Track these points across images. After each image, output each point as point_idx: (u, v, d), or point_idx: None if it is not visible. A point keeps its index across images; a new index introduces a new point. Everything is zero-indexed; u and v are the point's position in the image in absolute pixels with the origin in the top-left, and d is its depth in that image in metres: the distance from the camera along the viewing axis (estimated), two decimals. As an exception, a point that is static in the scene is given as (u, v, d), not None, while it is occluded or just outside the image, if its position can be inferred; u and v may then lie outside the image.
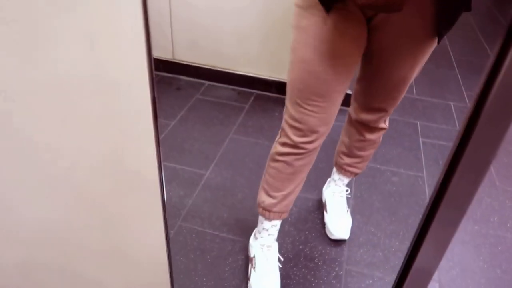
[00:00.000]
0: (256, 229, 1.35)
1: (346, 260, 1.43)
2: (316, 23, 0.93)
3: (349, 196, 1.62)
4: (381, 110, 1.19)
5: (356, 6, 0.91)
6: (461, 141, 0.51)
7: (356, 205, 1.65)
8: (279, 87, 2.27)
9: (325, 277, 1.37)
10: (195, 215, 1.55)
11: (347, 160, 1.40)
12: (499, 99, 0.45)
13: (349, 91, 1.13)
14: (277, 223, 1.29)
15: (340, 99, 1.05)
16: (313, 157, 1.14)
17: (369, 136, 1.27)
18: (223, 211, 1.58)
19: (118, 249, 0.80)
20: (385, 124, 1.26)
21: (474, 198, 0.54)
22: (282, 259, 1.36)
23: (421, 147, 2.02)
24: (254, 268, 1.28)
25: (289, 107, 1.06)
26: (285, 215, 1.26)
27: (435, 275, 1.40)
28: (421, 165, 1.89)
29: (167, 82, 2.38)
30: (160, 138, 2.09)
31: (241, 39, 2.21)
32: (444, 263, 1.45)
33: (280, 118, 1.14)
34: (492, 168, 1.89)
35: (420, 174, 1.84)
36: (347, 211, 1.54)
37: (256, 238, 1.33)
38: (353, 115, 1.27)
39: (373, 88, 1.15)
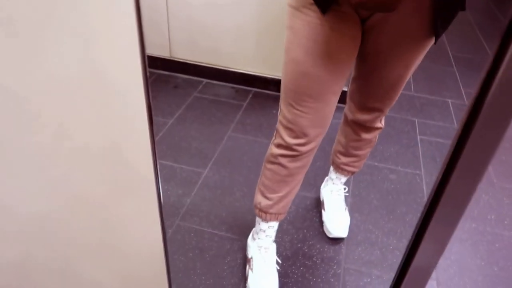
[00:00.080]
0: (254, 229, 1.35)
1: (344, 258, 1.44)
2: (309, 23, 0.92)
3: (347, 194, 1.62)
4: (377, 110, 1.18)
5: (351, 7, 0.91)
6: (459, 140, 0.51)
7: (354, 203, 1.65)
8: (278, 84, 2.24)
9: (323, 275, 1.37)
10: (194, 214, 1.55)
11: (343, 159, 1.40)
12: (498, 98, 0.45)
13: (345, 88, 1.13)
14: (274, 224, 1.29)
15: (334, 100, 1.04)
16: (308, 160, 1.14)
17: (365, 135, 1.27)
18: (222, 209, 1.58)
19: (115, 248, 0.80)
20: (381, 124, 1.26)
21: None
22: (280, 261, 1.36)
23: (419, 144, 2.03)
24: (251, 269, 1.29)
25: (283, 108, 1.06)
26: (282, 217, 1.26)
27: (433, 273, 1.40)
28: (418, 163, 1.90)
29: (164, 80, 2.37)
30: (158, 137, 2.10)
31: (239, 37, 2.20)
32: (441, 261, 1.46)
33: (278, 117, 1.14)
34: (489, 166, 1.89)
35: (418, 171, 1.85)
36: (345, 209, 1.54)
37: (254, 239, 1.34)
38: (349, 115, 1.27)
39: (369, 88, 1.15)
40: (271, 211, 1.22)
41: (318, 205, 1.62)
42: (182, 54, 2.35)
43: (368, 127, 1.25)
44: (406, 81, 1.08)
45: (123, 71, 0.54)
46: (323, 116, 1.05)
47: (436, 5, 0.89)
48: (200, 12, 2.17)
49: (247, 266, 1.32)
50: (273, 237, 1.33)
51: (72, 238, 0.78)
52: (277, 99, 1.10)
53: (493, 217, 1.64)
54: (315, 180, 1.72)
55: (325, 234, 1.51)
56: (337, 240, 1.49)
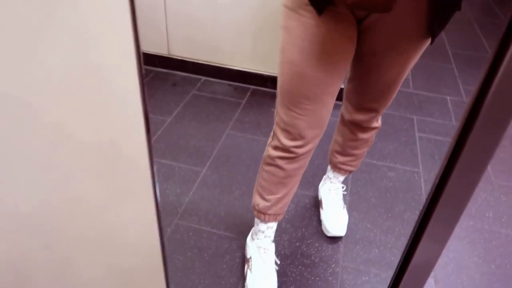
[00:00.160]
0: (252, 229, 1.36)
1: (342, 256, 1.44)
2: (304, 24, 0.92)
3: (345, 192, 1.63)
4: (373, 110, 1.18)
5: (347, 7, 0.90)
6: (459, 139, 0.50)
7: (352, 201, 1.66)
8: (276, 82, 2.25)
9: (321, 274, 1.38)
10: (192, 212, 1.56)
11: (341, 158, 1.41)
12: (498, 96, 0.45)
13: (342, 85, 1.12)
14: (273, 225, 1.29)
15: (331, 101, 1.04)
16: (306, 161, 1.14)
17: (362, 135, 1.27)
18: (220, 208, 1.58)
19: (113, 247, 0.80)
20: (377, 123, 1.26)
21: (470, 194, 0.54)
22: (278, 261, 1.37)
23: (417, 142, 2.03)
24: (250, 269, 1.29)
25: (279, 110, 1.05)
26: (280, 217, 1.26)
27: (431, 271, 1.41)
28: (417, 161, 1.90)
29: (163, 78, 2.37)
30: (156, 135, 2.09)
31: (237, 34, 2.20)
32: (439, 259, 1.46)
33: (277, 114, 1.13)
34: (487, 163, 1.89)
35: (416, 169, 1.85)
36: (343, 207, 1.54)
37: (253, 239, 1.34)
38: (346, 115, 1.27)
39: (365, 88, 1.14)
40: (269, 212, 1.22)
41: (317, 203, 1.63)
42: (180, 51, 2.35)
43: (364, 127, 1.25)
44: (402, 81, 1.08)
45: (119, 70, 0.54)
46: (320, 117, 1.04)
47: (432, 5, 0.89)
48: (198, 9, 2.16)
49: (246, 266, 1.33)
50: (272, 238, 1.33)
51: (69, 238, 0.78)
52: (275, 96, 1.09)
53: (490, 214, 1.65)
54: (313, 178, 1.72)
55: (323, 232, 1.51)
56: (335, 239, 1.50)
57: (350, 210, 1.61)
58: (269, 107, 2.17)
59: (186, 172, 1.73)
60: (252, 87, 2.33)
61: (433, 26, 0.92)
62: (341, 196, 1.56)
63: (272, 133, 1.12)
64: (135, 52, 0.52)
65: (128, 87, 0.55)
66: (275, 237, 1.37)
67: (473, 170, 0.52)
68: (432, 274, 1.40)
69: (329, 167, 1.52)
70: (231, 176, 1.73)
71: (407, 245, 0.65)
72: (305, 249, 1.46)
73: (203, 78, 2.38)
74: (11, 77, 0.56)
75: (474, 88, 0.47)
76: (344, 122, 1.30)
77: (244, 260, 1.38)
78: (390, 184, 1.76)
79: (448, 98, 2.40)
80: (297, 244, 1.47)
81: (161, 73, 2.40)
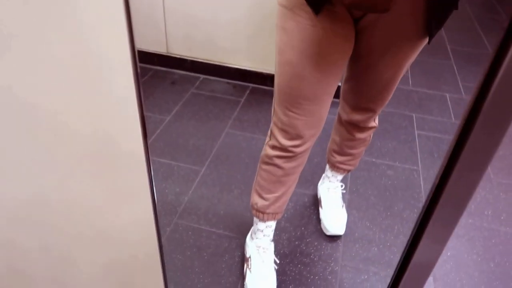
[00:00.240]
0: (252, 229, 1.36)
1: (341, 255, 1.44)
2: (301, 24, 0.91)
3: (344, 191, 1.63)
4: (370, 110, 1.18)
5: (344, 7, 0.89)
6: (459, 137, 0.50)
7: (351, 200, 1.66)
8: (275, 80, 2.26)
9: (321, 273, 1.38)
10: (191, 212, 1.56)
11: (338, 158, 1.41)
12: (500, 94, 0.45)
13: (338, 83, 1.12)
14: (272, 224, 1.29)
15: (329, 100, 1.04)
16: (304, 159, 1.14)
17: (359, 135, 1.27)
18: (220, 207, 1.58)
19: (111, 247, 0.80)
20: (375, 123, 1.25)
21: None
22: (277, 261, 1.37)
23: (417, 139, 2.03)
24: (250, 269, 1.29)
25: (277, 110, 1.05)
26: (279, 216, 1.26)
27: (430, 269, 1.41)
28: (416, 158, 1.90)
29: (161, 76, 2.36)
30: (155, 134, 2.09)
31: (236, 32, 2.19)
32: (438, 257, 1.46)
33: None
34: (487, 161, 1.89)
35: (415, 167, 1.85)
36: (342, 206, 1.54)
37: (252, 238, 1.34)
38: (343, 115, 1.27)
39: (362, 88, 1.14)
40: (268, 211, 1.22)
41: (316, 202, 1.63)
42: (179, 50, 2.34)
43: (362, 127, 1.25)
44: (399, 80, 1.08)
45: (115, 70, 0.54)
46: (318, 117, 1.04)
47: (430, 5, 0.88)
48: (196, 7, 2.16)
49: (245, 265, 1.33)
50: (271, 237, 1.33)
51: (68, 238, 0.78)
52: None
53: (489, 212, 1.65)
54: (312, 177, 1.72)
55: (322, 231, 1.51)
56: (334, 238, 1.50)
57: (349, 208, 1.61)
58: (268, 105, 2.16)
59: (185, 171, 1.73)
60: (251, 85, 2.32)
61: (431, 26, 0.91)
62: (340, 195, 1.56)
63: (269, 132, 1.12)
64: (130, 51, 0.52)
65: (124, 86, 0.55)
66: (274, 236, 1.37)
67: (473, 170, 0.52)
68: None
69: (327, 166, 1.52)
70: (230, 175, 1.73)
71: (407, 244, 0.65)
72: (304, 248, 1.46)
73: (202, 76, 2.38)
74: (10, 76, 0.56)
75: (474, 86, 0.47)
76: (341, 122, 1.29)
77: (243, 259, 1.38)
78: (389, 182, 1.76)
79: (447, 95, 2.39)
80: (296, 243, 1.48)
81: (160, 72, 2.40)
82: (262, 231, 1.29)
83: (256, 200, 1.22)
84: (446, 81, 2.54)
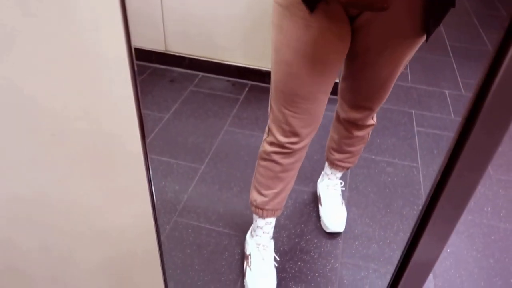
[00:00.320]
0: (252, 226, 1.36)
1: (341, 252, 1.44)
2: (296, 23, 0.91)
3: (343, 188, 1.62)
4: (367, 108, 1.18)
5: (339, 5, 0.89)
6: (461, 134, 0.50)
7: (351, 197, 1.66)
8: (274, 77, 2.25)
9: (320, 270, 1.38)
10: (191, 210, 1.55)
11: (337, 155, 1.40)
12: (500, 94, 0.44)
13: (336, 80, 1.11)
14: (271, 221, 1.29)
15: (325, 99, 1.04)
16: (301, 155, 1.14)
17: (357, 133, 1.27)
18: (219, 205, 1.58)
19: (110, 245, 0.80)
20: (373, 121, 1.25)
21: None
22: (277, 258, 1.37)
23: (416, 136, 2.03)
24: (250, 266, 1.29)
25: (274, 108, 1.05)
26: (278, 212, 1.26)
27: (429, 266, 1.41)
28: (415, 155, 1.90)
29: (160, 74, 2.36)
30: (154, 132, 2.08)
31: (235, 29, 2.18)
32: (438, 253, 1.47)
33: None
34: (486, 157, 1.89)
35: (415, 164, 1.85)
36: (342, 203, 1.54)
37: (252, 236, 1.34)
38: (341, 114, 1.26)
39: (359, 87, 1.14)
40: (267, 207, 1.22)
41: (315, 199, 1.62)
42: (178, 47, 2.33)
43: (360, 125, 1.24)
44: (396, 78, 1.07)
45: (112, 70, 0.53)
46: (314, 115, 1.04)
47: (427, 3, 0.88)
48: (195, 5, 2.15)
49: (245, 263, 1.33)
50: (271, 234, 1.33)
51: (68, 237, 0.78)
52: (273, 92, 1.09)
53: (489, 209, 1.65)
54: (312, 174, 1.72)
55: (322, 228, 1.51)
56: (334, 235, 1.50)
57: (348, 205, 1.61)
58: (267, 103, 2.15)
59: (184, 169, 1.73)
60: (250, 82, 2.32)
61: (428, 24, 0.91)
62: (340, 192, 1.56)
63: (267, 129, 1.12)
64: (127, 49, 0.51)
65: (122, 84, 0.54)
66: (274, 233, 1.37)
67: (474, 168, 0.52)
68: (431, 268, 1.41)
69: (326, 164, 1.52)
70: (229, 172, 1.72)
71: (407, 242, 0.65)
72: (304, 245, 1.46)
73: (201, 74, 2.37)
74: (8, 75, 0.56)
75: (474, 83, 0.47)
76: (339, 120, 1.29)
77: (243, 257, 1.38)
78: (389, 179, 1.76)
79: (446, 92, 2.39)
80: (296, 240, 1.48)
81: (158, 70, 2.39)
82: (261, 228, 1.29)
83: (255, 196, 1.22)
84: (446, 77, 2.53)
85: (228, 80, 2.33)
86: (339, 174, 1.52)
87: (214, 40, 2.24)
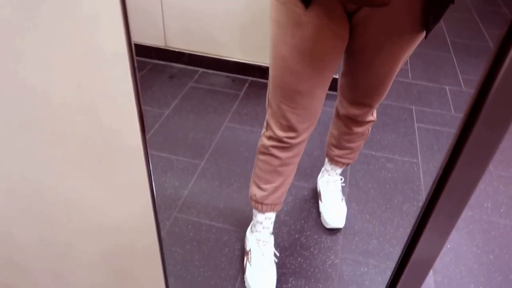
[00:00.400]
0: (252, 222, 1.36)
1: (341, 248, 1.45)
2: (294, 19, 0.90)
3: (343, 184, 1.62)
4: (367, 104, 1.17)
5: (337, 1, 0.88)
6: (463, 130, 0.50)
7: (351, 193, 1.66)
8: (274, 73, 2.24)
9: (320, 266, 1.38)
10: (191, 205, 1.55)
11: (337, 152, 1.40)
12: (502, 91, 0.44)
13: (336, 76, 1.11)
14: (271, 216, 1.29)
15: (322, 95, 1.03)
16: (300, 149, 1.14)
17: (357, 129, 1.27)
18: (219, 201, 1.58)
19: (110, 242, 0.80)
20: (372, 117, 1.25)
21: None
22: (278, 254, 1.37)
23: (416, 132, 2.02)
24: (250, 262, 1.29)
25: (272, 103, 1.05)
26: (278, 207, 1.26)
27: (429, 262, 1.41)
28: (416, 151, 1.90)
29: (160, 70, 2.35)
30: (154, 128, 2.08)
31: (235, 25, 2.17)
32: (438, 249, 1.47)
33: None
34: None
35: (415, 160, 1.85)
36: (342, 199, 1.54)
37: (252, 231, 1.34)
38: (340, 110, 1.26)
39: (358, 83, 1.13)
40: (266, 201, 1.22)
41: (316, 195, 1.62)
42: (177, 43, 2.32)
43: (359, 121, 1.24)
44: (395, 75, 1.07)
45: (111, 65, 0.53)
46: (311, 111, 1.04)
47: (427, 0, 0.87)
48: (194, 1, 2.14)
49: (245, 258, 1.33)
50: (270, 229, 1.33)
51: (67, 232, 0.78)
52: (273, 88, 1.08)
53: (489, 205, 1.65)
54: (312, 170, 1.72)
55: (322, 224, 1.51)
56: (334, 230, 1.50)
57: (349, 201, 1.61)
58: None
59: (184, 165, 1.73)
60: (250, 78, 2.31)
61: (428, 20, 0.90)
62: (340, 188, 1.56)
63: (265, 123, 1.12)
64: (127, 45, 0.51)
65: (122, 80, 0.54)
66: (274, 229, 1.37)
67: (475, 164, 0.51)
68: (430, 264, 1.41)
69: (326, 160, 1.52)
70: (229, 168, 1.72)
71: (408, 238, 0.65)
72: (304, 241, 1.46)
73: (201, 70, 2.36)
74: (6, 71, 0.55)
75: (475, 79, 0.47)
76: (339, 116, 1.29)
77: (243, 253, 1.38)
78: (389, 175, 1.76)
79: (447, 88, 2.38)
80: (296, 236, 1.48)
81: (158, 65, 2.38)
82: (261, 223, 1.29)
83: (255, 191, 1.22)
84: (446, 73, 2.53)
85: (228, 76, 2.33)
86: (339, 170, 1.52)
87: (214, 35, 2.24)
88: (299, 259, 1.40)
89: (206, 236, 1.45)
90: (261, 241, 1.31)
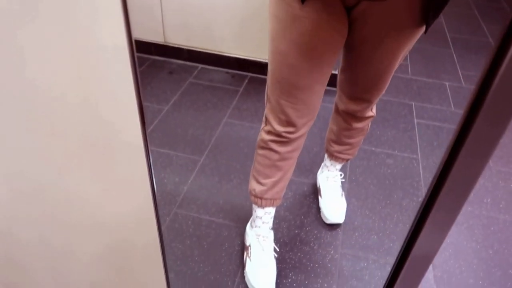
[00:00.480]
0: (251, 217, 1.36)
1: (341, 243, 1.45)
2: (292, 14, 0.90)
3: (343, 180, 1.63)
4: (366, 100, 1.17)
5: None
6: (463, 126, 0.50)
7: (351, 188, 1.66)
8: (273, 69, 2.24)
9: (320, 261, 1.39)
10: (191, 201, 1.56)
11: (336, 147, 1.40)
12: (502, 87, 0.44)
13: (335, 71, 1.11)
14: (271, 211, 1.29)
15: (321, 90, 1.03)
16: (299, 144, 1.14)
17: (356, 125, 1.27)
18: (219, 196, 1.58)
19: (110, 240, 0.80)
20: (372, 112, 1.25)
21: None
22: (277, 249, 1.37)
23: (416, 128, 2.02)
24: (249, 257, 1.30)
25: (270, 98, 1.05)
26: (277, 202, 1.26)
27: (429, 257, 1.42)
28: (415, 147, 1.90)
29: (159, 66, 2.34)
30: (153, 124, 2.08)
31: (234, 21, 2.17)
32: (437, 245, 1.47)
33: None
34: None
35: (414, 156, 1.85)
36: (342, 195, 1.55)
37: (252, 227, 1.34)
38: (340, 105, 1.26)
39: (357, 78, 1.13)
40: (265, 196, 1.22)
41: (315, 191, 1.63)
42: (176, 39, 2.32)
43: (359, 117, 1.24)
44: (394, 70, 1.06)
45: (111, 60, 0.53)
46: (310, 106, 1.04)
47: None
48: (193, -5, 2.13)
49: (245, 254, 1.33)
50: (270, 224, 1.33)
51: (67, 230, 0.78)
52: (273, 84, 1.08)
53: (488, 200, 1.66)
54: (311, 166, 1.72)
55: (322, 220, 1.52)
56: (334, 226, 1.50)
57: (348, 197, 1.61)
58: (267, 95, 2.15)
59: (184, 161, 1.73)
60: (249, 74, 2.31)
61: (428, 15, 0.89)
62: (339, 184, 1.56)
63: (264, 118, 1.12)
64: (127, 41, 0.51)
65: (122, 76, 0.54)
66: (274, 224, 1.38)
67: (476, 160, 0.51)
68: (430, 259, 1.42)
69: (326, 156, 1.52)
70: (229, 164, 1.72)
71: (408, 233, 0.65)
72: (304, 236, 1.46)
73: (200, 66, 2.36)
74: (6, 67, 0.55)
75: (475, 76, 0.47)
76: (338, 111, 1.29)
77: (243, 248, 1.39)
78: (389, 171, 1.76)
79: (447, 83, 2.38)
80: (296, 231, 1.48)
81: (157, 61, 2.38)
82: (261, 218, 1.29)
83: (254, 186, 1.22)
84: (446, 69, 2.52)
85: (227, 72, 2.32)
86: (339, 166, 1.52)
87: (213, 31, 2.23)
88: (299, 254, 1.40)
89: (206, 231, 1.45)
90: (261, 236, 1.31)
